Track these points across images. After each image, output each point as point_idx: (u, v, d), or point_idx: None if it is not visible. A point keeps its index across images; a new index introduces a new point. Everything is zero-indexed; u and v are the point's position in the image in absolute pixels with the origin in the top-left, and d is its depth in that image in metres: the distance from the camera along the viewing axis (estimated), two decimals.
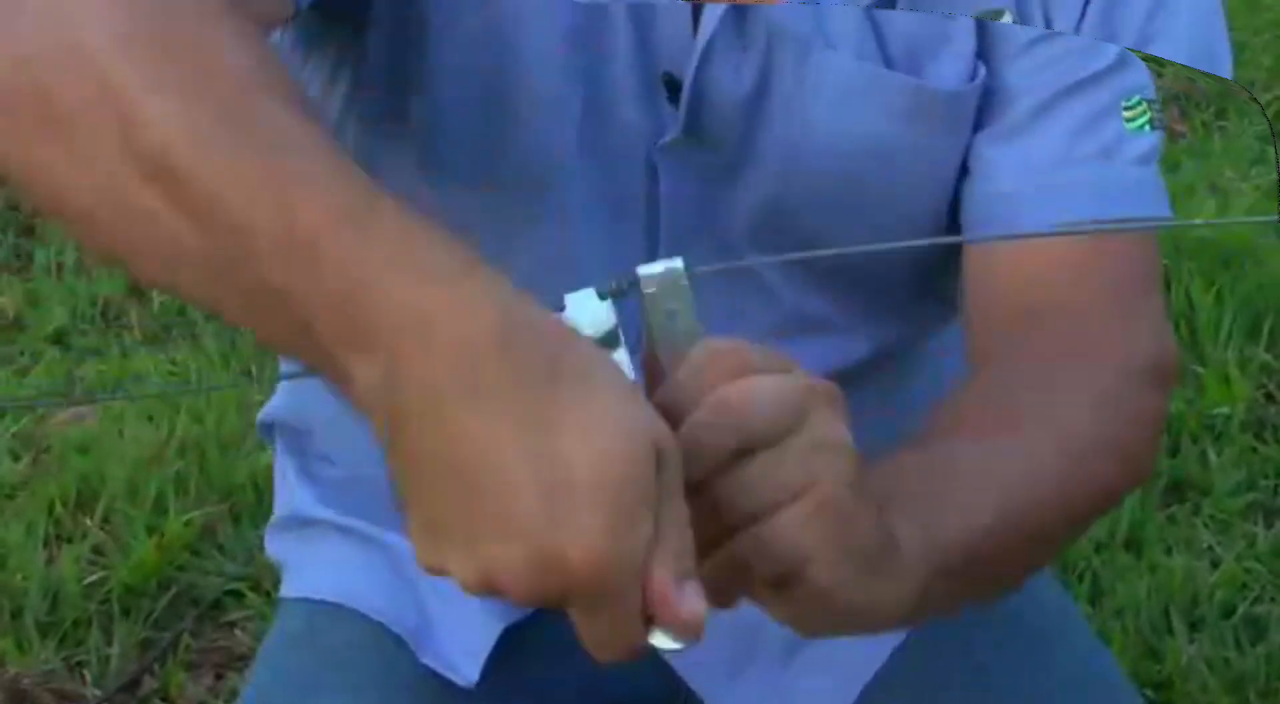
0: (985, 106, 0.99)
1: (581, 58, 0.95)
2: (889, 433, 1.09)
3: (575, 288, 0.71)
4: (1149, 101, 1.00)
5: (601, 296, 0.73)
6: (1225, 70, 1.02)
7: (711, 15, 0.95)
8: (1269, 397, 2.15)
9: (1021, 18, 0.97)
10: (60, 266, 2.55)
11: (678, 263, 0.73)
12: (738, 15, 0.94)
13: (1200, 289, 2.27)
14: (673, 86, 0.96)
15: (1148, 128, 1.00)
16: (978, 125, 1.00)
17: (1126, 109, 1.00)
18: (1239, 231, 2.39)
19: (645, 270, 0.73)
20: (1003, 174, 0.98)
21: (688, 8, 0.95)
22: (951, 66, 0.98)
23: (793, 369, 0.70)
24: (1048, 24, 0.98)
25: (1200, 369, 2.17)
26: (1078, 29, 0.98)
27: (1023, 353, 0.95)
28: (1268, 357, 2.18)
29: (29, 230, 2.66)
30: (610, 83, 0.95)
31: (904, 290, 1.05)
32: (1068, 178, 0.98)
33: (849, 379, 1.03)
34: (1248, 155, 2.63)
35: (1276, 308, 2.25)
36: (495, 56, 0.95)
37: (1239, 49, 3.02)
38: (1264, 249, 2.36)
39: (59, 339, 2.39)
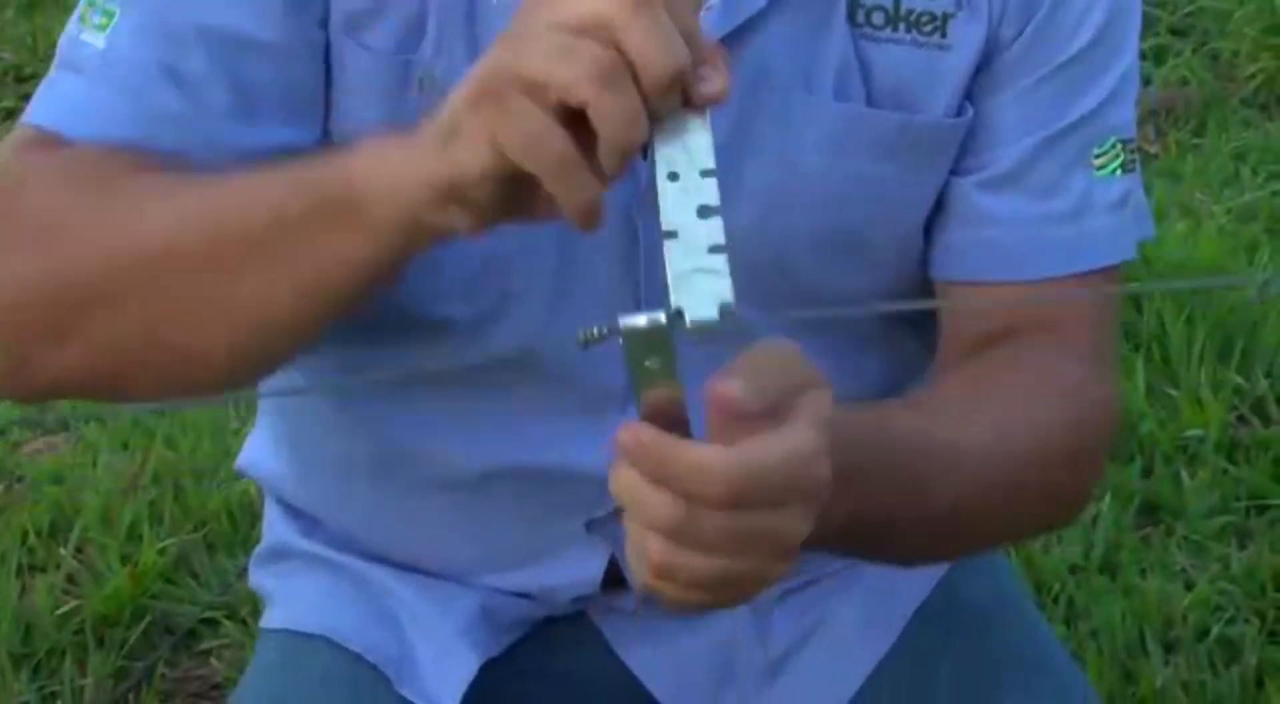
0: (971, 148, 1.00)
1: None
2: None
3: (564, 341, 0.73)
4: (1123, 142, 1.02)
5: (580, 345, 0.72)
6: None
7: None
8: (1242, 419, 2.16)
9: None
10: None
11: (660, 317, 0.72)
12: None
13: (1173, 312, 2.28)
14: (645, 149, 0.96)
15: (1119, 172, 1.01)
16: (960, 166, 1.01)
17: (1097, 156, 1.01)
18: (1210, 254, 2.40)
19: (627, 321, 0.72)
20: (988, 224, 1.01)
21: None
22: (941, 101, 0.98)
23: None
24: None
25: (1174, 391, 2.18)
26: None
27: (988, 357, 1.00)
28: (1240, 379, 2.19)
29: None
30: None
31: (886, 330, 1.06)
32: (1043, 236, 1.01)
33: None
34: (1220, 175, 2.64)
35: (1248, 330, 2.26)
36: None
37: (1223, 20, 3.04)
38: (1236, 271, 2.37)
39: None
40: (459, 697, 1.05)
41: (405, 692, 1.06)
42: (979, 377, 0.99)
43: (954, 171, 1.01)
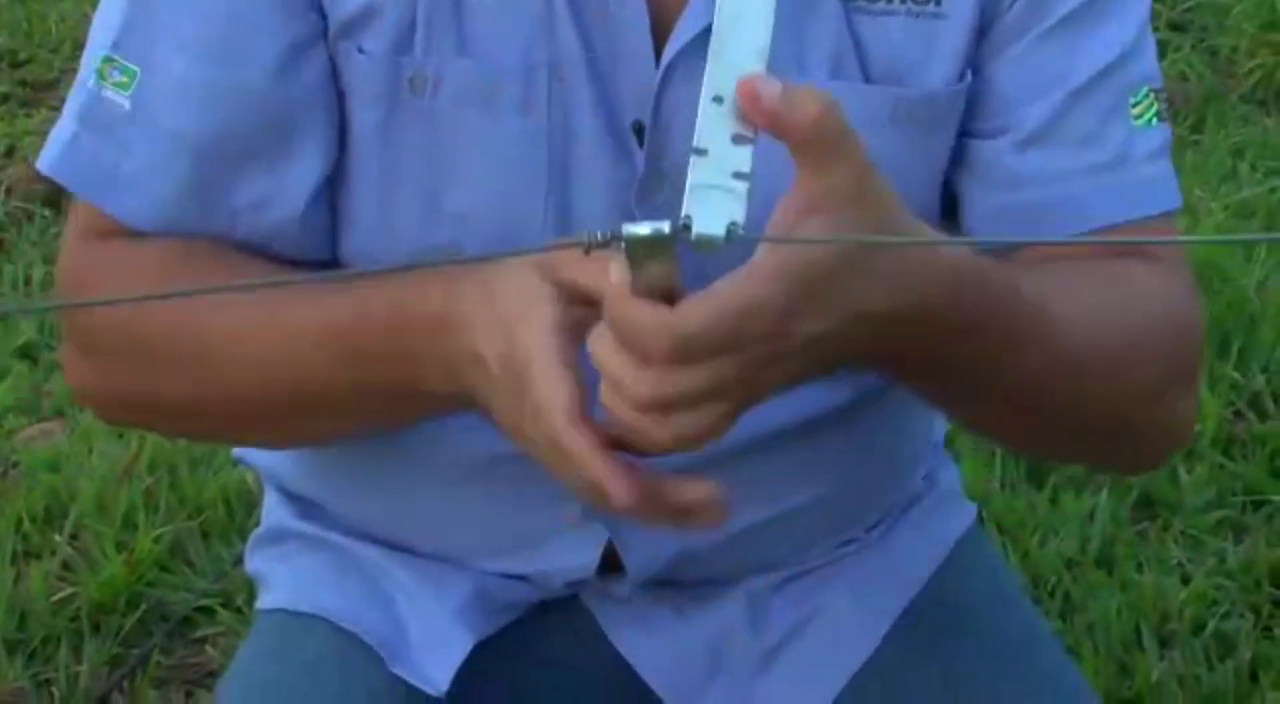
0: (993, 110, 0.99)
1: (541, 124, 0.95)
2: (865, 477, 1.10)
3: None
4: (1155, 91, 1.00)
5: (584, 250, 0.73)
6: None
7: (671, 48, 0.95)
8: (1238, 414, 2.16)
9: None
10: (29, 280, 2.54)
11: (664, 226, 0.72)
12: (700, 44, 0.94)
13: None
14: (642, 133, 0.96)
15: (1155, 122, 1.00)
16: (987, 129, 0.99)
17: (1134, 106, 1.00)
18: (1207, 251, 2.40)
19: (631, 229, 0.72)
20: (1025, 185, 0.98)
21: (649, 55, 0.95)
22: (939, 70, 0.97)
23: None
24: None
25: None
26: None
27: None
28: (1236, 375, 2.19)
29: None
30: (576, 143, 0.96)
31: None
32: (1086, 188, 0.98)
33: (829, 423, 1.04)
34: (1218, 171, 2.64)
35: (1246, 326, 2.26)
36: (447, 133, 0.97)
37: (1222, 15, 3.03)
38: (1232, 268, 2.37)
39: (27, 353, 2.38)
40: (451, 676, 1.05)
41: (399, 671, 1.06)
42: (1076, 273, 0.96)
43: (983, 136, 0.99)
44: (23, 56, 3.11)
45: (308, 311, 0.95)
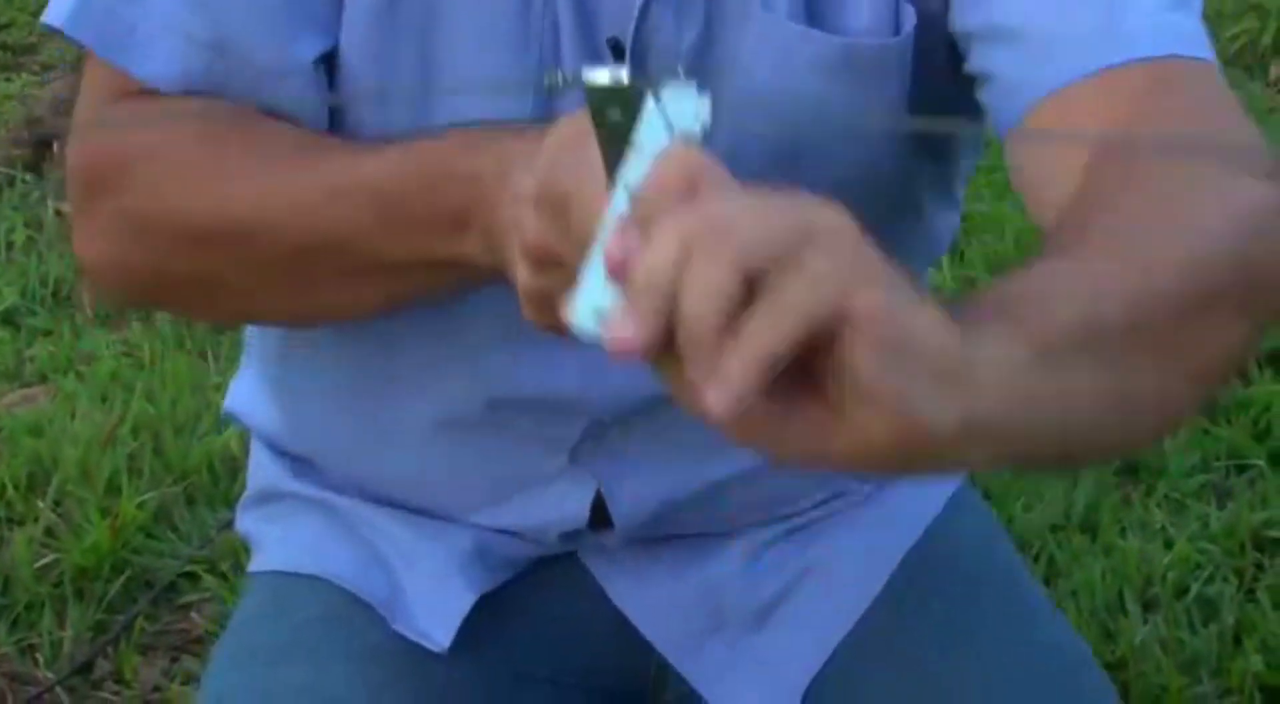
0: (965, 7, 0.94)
1: (523, 34, 0.94)
2: None
3: None
4: None
5: (545, 89, 0.69)
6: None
7: None
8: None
9: None
10: (10, 245, 2.53)
11: (623, 73, 0.68)
12: None
13: None
14: (619, 52, 0.95)
15: None
16: (961, 24, 0.94)
17: None
18: None
19: (591, 75, 0.69)
20: (1006, 41, 0.92)
21: None
22: (870, 13, 0.95)
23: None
24: None
25: None
26: None
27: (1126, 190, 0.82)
28: None
29: None
30: (557, 57, 0.95)
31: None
32: (1070, 28, 0.90)
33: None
34: None
35: None
36: (429, 43, 0.95)
37: None
38: None
39: (9, 319, 2.37)
40: (454, 631, 1.05)
41: (400, 628, 1.06)
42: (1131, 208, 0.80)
43: (961, 35, 0.95)
44: (2, 20, 3.09)
45: (346, 166, 0.92)
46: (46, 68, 2.98)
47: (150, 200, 0.96)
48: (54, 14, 0.97)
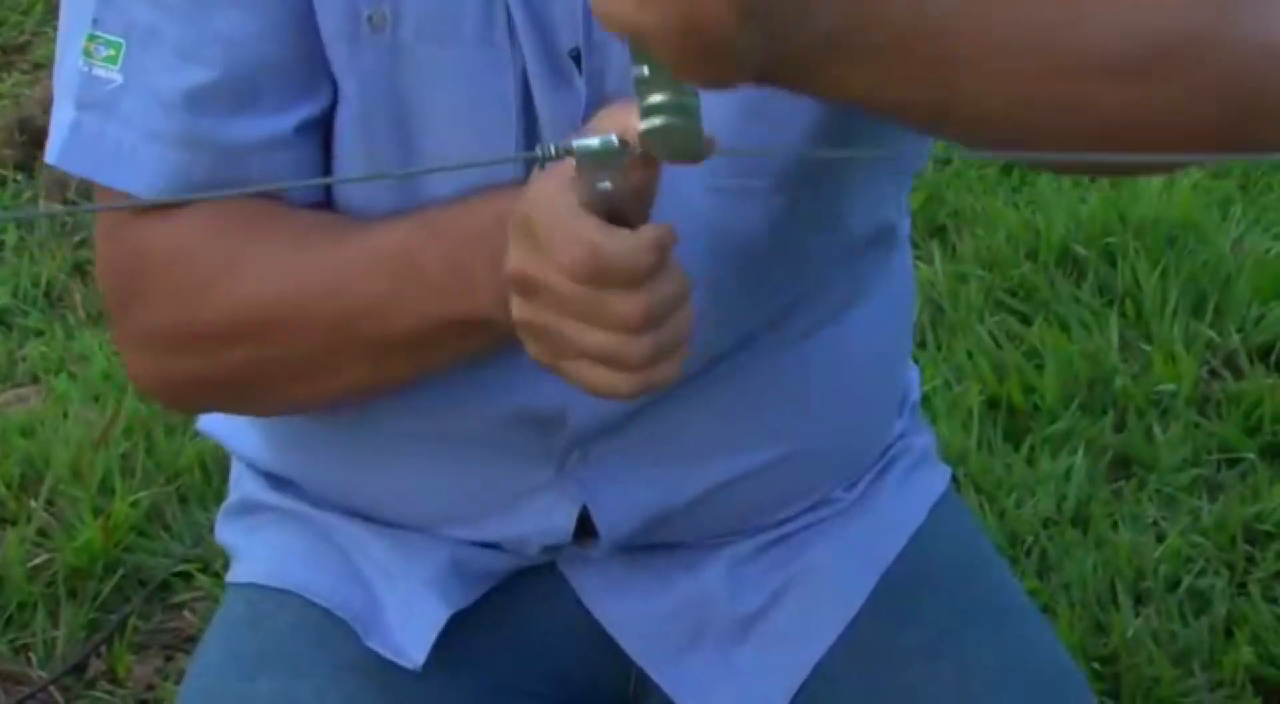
0: None
1: (504, 55, 0.94)
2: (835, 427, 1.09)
3: None
4: None
5: (540, 164, 0.75)
6: None
7: None
8: (1214, 373, 2.17)
9: None
10: (2, 246, 2.53)
11: (613, 138, 0.74)
12: None
13: (1146, 267, 2.29)
14: (579, 61, 0.95)
15: None
16: None
17: None
18: (1184, 211, 2.40)
19: (581, 143, 0.74)
20: None
21: None
22: None
23: None
24: None
25: (1146, 346, 2.18)
26: None
27: None
28: (1212, 333, 2.20)
29: None
30: (531, 74, 0.95)
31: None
32: None
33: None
34: None
35: (1221, 285, 2.27)
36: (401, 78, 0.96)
37: None
38: (1209, 227, 2.38)
39: (1, 320, 2.37)
40: (428, 648, 1.05)
41: (374, 645, 1.06)
42: None
43: None
44: None
45: (364, 240, 0.95)
46: (38, 67, 2.98)
47: (177, 312, 0.98)
48: (51, 151, 0.99)
